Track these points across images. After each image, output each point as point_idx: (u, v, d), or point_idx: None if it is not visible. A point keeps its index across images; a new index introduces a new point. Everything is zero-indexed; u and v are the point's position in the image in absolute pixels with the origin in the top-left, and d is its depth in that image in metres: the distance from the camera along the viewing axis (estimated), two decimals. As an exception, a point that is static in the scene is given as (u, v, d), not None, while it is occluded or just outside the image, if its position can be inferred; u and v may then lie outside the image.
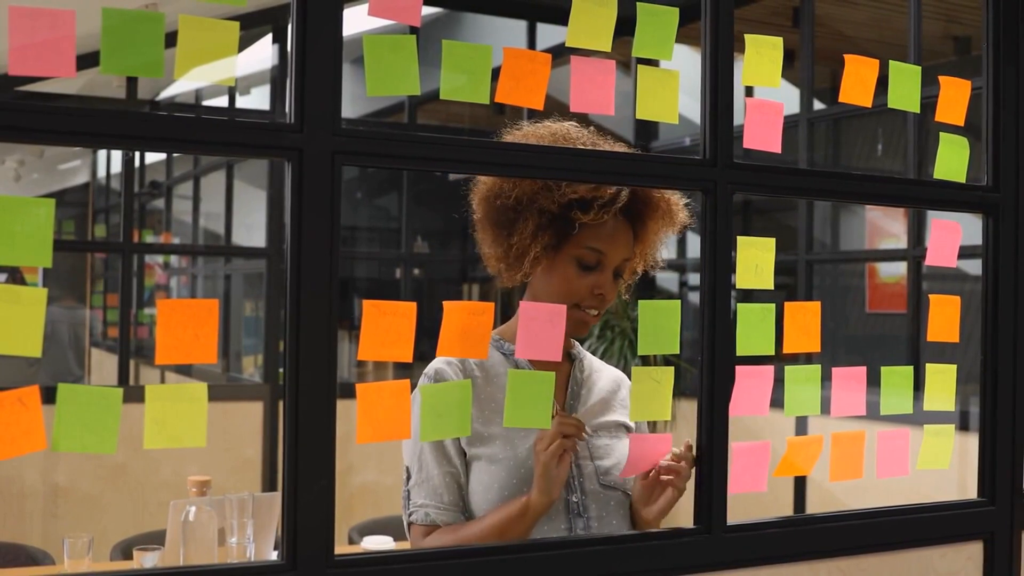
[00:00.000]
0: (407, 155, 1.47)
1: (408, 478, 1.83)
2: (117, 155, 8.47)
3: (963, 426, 4.08)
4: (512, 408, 1.53)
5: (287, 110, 1.37)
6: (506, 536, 1.70)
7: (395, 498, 4.54)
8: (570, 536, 1.74)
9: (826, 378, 1.78)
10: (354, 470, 4.52)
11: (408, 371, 6.21)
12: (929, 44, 5.65)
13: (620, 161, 1.66)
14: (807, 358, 4.30)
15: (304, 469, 1.33)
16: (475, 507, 1.77)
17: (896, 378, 1.83)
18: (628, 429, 1.90)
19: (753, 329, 1.66)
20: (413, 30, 3.82)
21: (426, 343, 1.59)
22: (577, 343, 1.96)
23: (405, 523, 1.83)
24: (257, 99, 7.12)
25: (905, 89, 1.85)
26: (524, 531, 1.71)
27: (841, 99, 1.78)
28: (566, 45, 1.53)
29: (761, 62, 1.69)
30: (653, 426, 2.00)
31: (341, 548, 2.36)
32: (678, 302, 1.64)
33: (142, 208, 8.67)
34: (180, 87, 6.86)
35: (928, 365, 1.89)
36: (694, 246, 6.45)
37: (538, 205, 1.75)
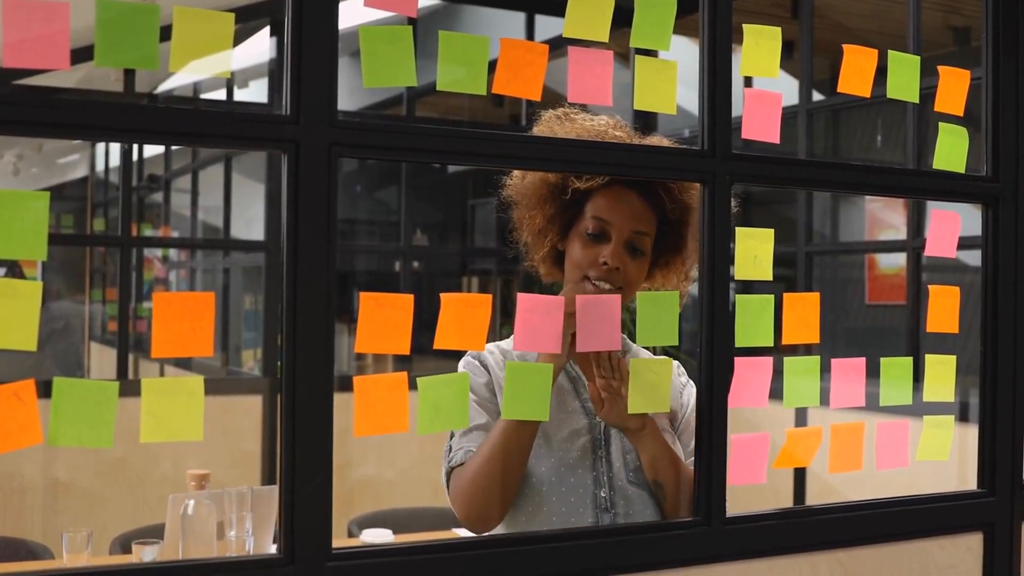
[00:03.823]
0: (404, 147, 1.46)
1: (451, 435, 1.83)
2: (116, 149, 8.46)
3: (963, 417, 4.07)
4: (510, 400, 1.53)
5: (284, 102, 1.36)
6: (522, 428, 1.70)
7: (395, 491, 4.56)
8: (568, 529, 1.74)
9: (825, 369, 1.78)
10: (354, 463, 4.52)
11: (408, 364, 6.20)
12: (929, 35, 5.64)
13: (618, 152, 1.66)
14: (806, 350, 4.30)
15: (301, 464, 1.33)
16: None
17: (895, 369, 1.83)
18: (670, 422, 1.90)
19: (752, 320, 1.66)
20: (411, 21, 3.81)
21: (425, 336, 1.59)
22: (625, 336, 1.92)
23: (444, 474, 1.81)
24: (256, 92, 7.11)
25: (904, 79, 1.85)
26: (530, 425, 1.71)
27: (840, 89, 1.77)
28: (563, 36, 1.53)
29: (759, 52, 1.68)
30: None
31: (341, 541, 2.36)
32: (676, 293, 1.63)
33: (141, 202, 8.66)
34: (178, 80, 6.84)
35: (927, 356, 1.89)
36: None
37: (541, 177, 1.83)
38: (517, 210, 1.90)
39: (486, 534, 1.80)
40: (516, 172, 1.90)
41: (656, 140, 1.85)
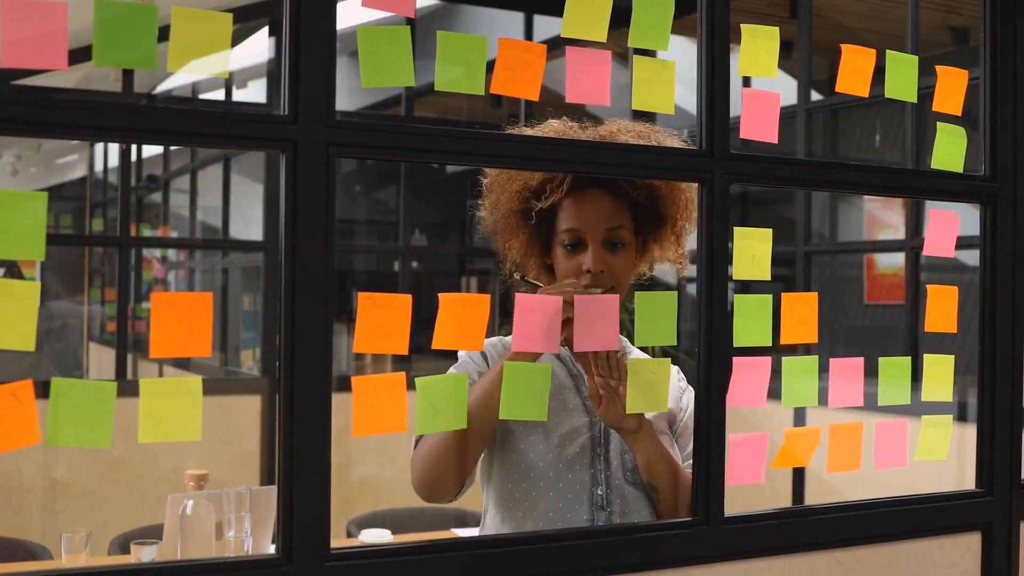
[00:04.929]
0: (402, 147, 1.46)
1: None
2: (114, 149, 8.45)
3: (961, 417, 4.08)
4: (508, 399, 1.52)
5: (282, 102, 1.36)
6: (487, 404, 1.68)
7: (394, 491, 4.55)
8: (568, 528, 1.74)
9: (824, 369, 1.78)
10: (353, 463, 4.52)
11: (407, 364, 6.19)
12: (927, 35, 5.64)
13: (615, 152, 1.66)
14: (805, 349, 4.30)
15: (300, 464, 1.33)
16: (502, 479, 1.81)
17: (894, 369, 1.83)
18: (669, 424, 1.90)
19: (750, 320, 1.66)
20: (409, 21, 3.80)
21: (424, 336, 1.59)
22: (623, 337, 1.93)
23: (412, 445, 1.82)
24: (254, 93, 7.11)
25: (902, 79, 1.85)
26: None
27: (838, 89, 1.77)
28: (561, 35, 1.53)
29: (757, 52, 1.68)
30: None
31: (339, 541, 2.36)
32: (675, 293, 1.63)
33: (139, 202, 8.66)
34: (177, 80, 6.84)
35: (926, 356, 1.89)
36: (691, 237, 6.44)
37: (505, 207, 1.86)
38: (497, 241, 1.92)
39: (485, 534, 1.80)
40: (486, 205, 1.90)
41: (607, 129, 1.82)
